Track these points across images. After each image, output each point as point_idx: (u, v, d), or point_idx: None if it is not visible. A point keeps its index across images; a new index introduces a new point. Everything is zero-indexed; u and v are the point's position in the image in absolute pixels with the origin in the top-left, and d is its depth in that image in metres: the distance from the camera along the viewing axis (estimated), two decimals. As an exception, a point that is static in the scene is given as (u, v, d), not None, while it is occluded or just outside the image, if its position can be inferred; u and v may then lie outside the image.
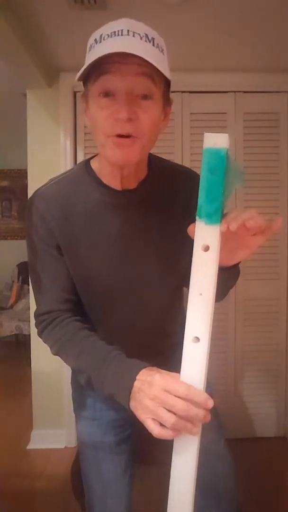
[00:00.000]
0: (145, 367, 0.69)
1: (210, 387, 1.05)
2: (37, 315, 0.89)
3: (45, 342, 0.88)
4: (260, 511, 1.71)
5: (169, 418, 0.62)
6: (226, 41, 1.83)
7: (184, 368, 0.65)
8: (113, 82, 0.71)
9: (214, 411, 1.05)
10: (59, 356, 0.86)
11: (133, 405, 0.67)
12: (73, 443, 2.27)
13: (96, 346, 0.80)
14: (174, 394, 0.62)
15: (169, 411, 0.62)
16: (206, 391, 1.02)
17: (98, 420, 0.97)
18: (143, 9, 1.49)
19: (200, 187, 0.63)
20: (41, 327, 0.88)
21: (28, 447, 2.27)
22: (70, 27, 1.69)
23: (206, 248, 0.63)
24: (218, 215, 0.62)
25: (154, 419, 0.64)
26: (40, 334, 0.89)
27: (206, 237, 0.63)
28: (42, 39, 1.80)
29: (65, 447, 2.27)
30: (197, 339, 0.64)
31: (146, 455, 1.29)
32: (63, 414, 2.27)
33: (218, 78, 2.17)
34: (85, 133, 2.20)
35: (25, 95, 2.20)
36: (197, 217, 0.63)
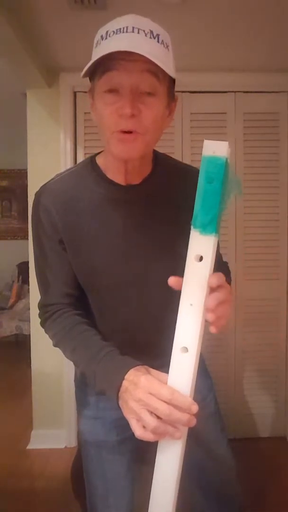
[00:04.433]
0: (134, 366, 0.70)
1: (212, 391, 1.06)
2: (40, 306, 0.92)
3: (46, 333, 0.91)
4: (260, 511, 1.71)
5: (151, 422, 0.62)
6: (226, 41, 1.83)
7: (171, 378, 0.64)
8: (118, 78, 0.72)
9: (217, 413, 1.05)
10: (58, 348, 0.88)
11: (120, 404, 0.69)
12: (73, 443, 2.27)
13: (91, 341, 0.82)
14: (157, 397, 0.62)
15: (153, 413, 0.63)
16: (207, 398, 1.03)
17: (101, 419, 0.97)
18: (143, 9, 1.49)
19: (196, 196, 0.61)
20: (44, 318, 0.91)
21: (28, 447, 2.27)
22: (70, 27, 1.69)
23: (200, 258, 0.62)
24: (214, 225, 0.60)
25: (138, 420, 0.65)
26: (42, 324, 0.92)
27: (200, 247, 0.62)
28: (42, 39, 1.80)
29: (65, 447, 2.27)
30: (185, 349, 0.63)
31: (148, 455, 1.29)
32: (63, 414, 2.27)
33: (218, 78, 2.17)
34: (85, 133, 2.20)
35: (25, 95, 2.20)
36: (191, 226, 0.62)
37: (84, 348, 0.81)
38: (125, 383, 0.68)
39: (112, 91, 0.73)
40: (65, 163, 2.18)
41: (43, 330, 0.93)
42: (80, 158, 2.19)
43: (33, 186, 2.08)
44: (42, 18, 1.63)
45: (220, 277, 0.63)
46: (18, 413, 2.59)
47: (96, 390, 0.77)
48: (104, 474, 0.98)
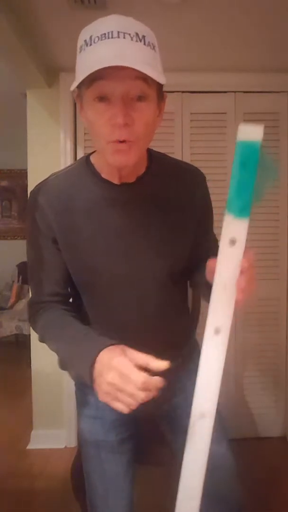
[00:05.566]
0: (108, 346, 0.70)
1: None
2: (30, 303, 0.94)
3: (34, 330, 0.92)
4: (260, 511, 1.71)
5: (128, 401, 0.64)
6: (226, 41, 1.83)
7: (203, 360, 0.67)
8: (108, 87, 0.71)
9: (217, 413, 1.05)
10: (44, 342, 0.89)
11: (95, 387, 0.69)
12: (73, 443, 2.27)
13: (70, 327, 0.83)
14: (129, 381, 0.63)
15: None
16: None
17: (100, 419, 0.97)
18: (143, 9, 1.49)
19: (231, 180, 0.63)
20: (31, 314, 0.93)
21: (28, 447, 2.27)
22: (70, 27, 1.68)
23: (233, 242, 0.64)
24: (248, 210, 0.63)
25: (113, 400, 0.66)
26: (31, 321, 0.94)
27: (233, 231, 0.64)
28: (42, 39, 1.80)
29: (65, 447, 2.27)
30: (218, 330, 0.66)
31: (147, 455, 1.29)
32: (63, 414, 2.28)
33: (218, 78, 2.17)
34: (85, 133, 2.20)
35: (25, 95, 2.21)
36: (226, 211, 0.64)
37: (63, 334, 0.83)
38: (97, 366, 0.68)
39: (102, 99, 0.72)
40: (65, 163, 2.17)
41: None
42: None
43: (33, 186, 2.07)
44: (42, 18, 1.63)
45: (250, 259, 0.66)
46: (18, 413, 2.59)
47: (74, 375, 0.78)
48: (103, 474, 0.98)
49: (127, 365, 0.65)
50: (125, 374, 0.63)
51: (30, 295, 0.95)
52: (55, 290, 0.90)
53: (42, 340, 0.89)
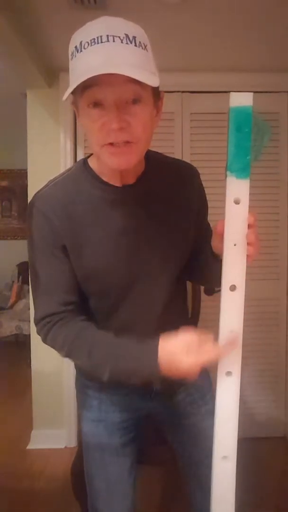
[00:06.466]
0: (158, 343, 0.75)
1: (211, 389, 1.06)
2: (39, 319, 0.86)
3: (52, 347, 0.86)
4: (259, 511, 1.71)
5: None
6: (226, 41, 1.83)
7: (223, 315, 0.72)
8: (101, 93, 0.71)
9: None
10: (69, 357, 0.85)
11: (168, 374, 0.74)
12: (73, 443, 2.27)
13: (107, 339, 0.82)
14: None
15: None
16: (206, 396, 1.04)
17: (104, 422, 0.97)
18: (142, 9, 1.49)
19: (229, 145, 0.67)
20: (45, 331, 0.85)
21: (28, 447, 2.27)
22: (70, 27, 1.67)
23: (237, 201, 0.68)
24: (248, 170, 0.66)
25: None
26: (44, 339, 0.87)
27: (237, 191, 0.68)
28: (42, 39, 1.80)
29: (65, 447, 2.27)
30: (234, 287, 0.70)
31: (147, 455, 1.29)
32: (63, 414, 2.28)
33: (218, 78, 2.16)
34: (85, 133, 2.19)
35: (25, 95, 2.21)
36: (228, 172, 0.68)
37: (103, 347, 0.81)
38: (162, 359, 0.73)
39: (96, 105, 0.73)
40: (65, 163, 2.17)
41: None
42: (80, 158, 2.19)
43: (33, 186, 2.08)
44: (42, 18, 1.63)
45: (255, 215, 0.70)
46: (18, 413, 2.59)
47: (133, 382, 0.80)
48: (107, 477, 0.98)
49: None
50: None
51: (36, 311, 0.87)
52: (66, 298, 0.85)
53: (67, 356, 0.85)
